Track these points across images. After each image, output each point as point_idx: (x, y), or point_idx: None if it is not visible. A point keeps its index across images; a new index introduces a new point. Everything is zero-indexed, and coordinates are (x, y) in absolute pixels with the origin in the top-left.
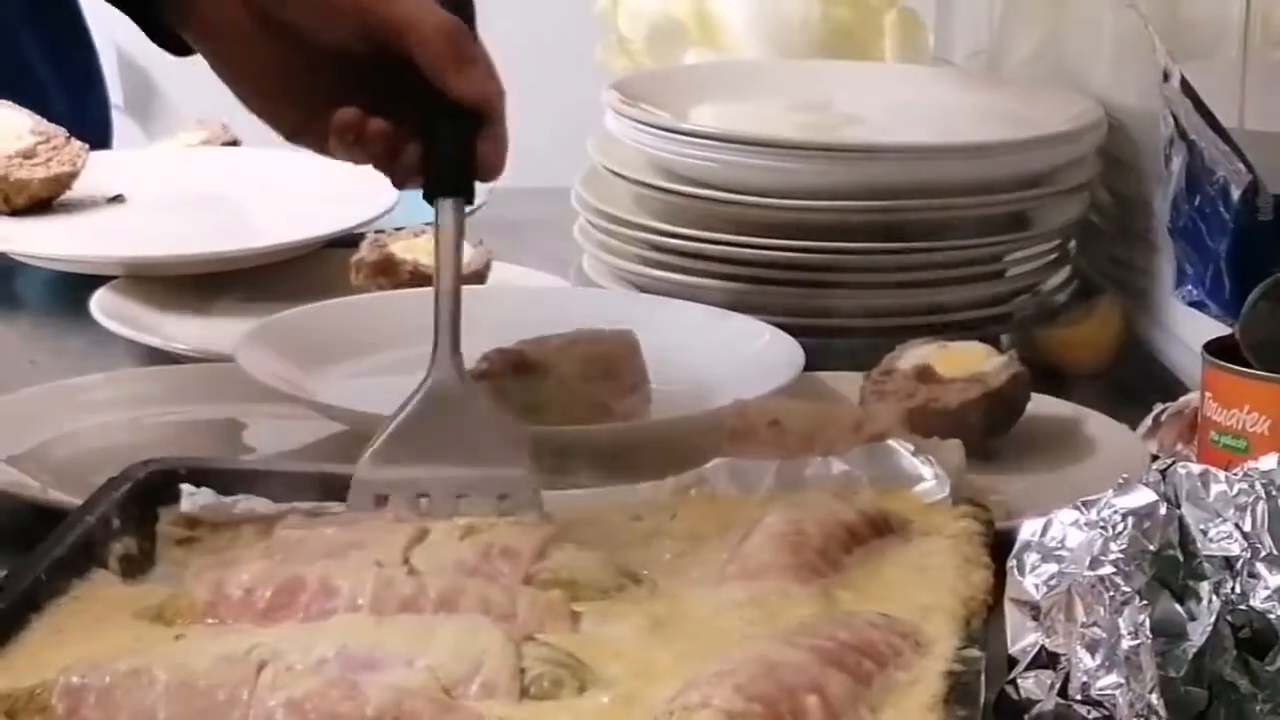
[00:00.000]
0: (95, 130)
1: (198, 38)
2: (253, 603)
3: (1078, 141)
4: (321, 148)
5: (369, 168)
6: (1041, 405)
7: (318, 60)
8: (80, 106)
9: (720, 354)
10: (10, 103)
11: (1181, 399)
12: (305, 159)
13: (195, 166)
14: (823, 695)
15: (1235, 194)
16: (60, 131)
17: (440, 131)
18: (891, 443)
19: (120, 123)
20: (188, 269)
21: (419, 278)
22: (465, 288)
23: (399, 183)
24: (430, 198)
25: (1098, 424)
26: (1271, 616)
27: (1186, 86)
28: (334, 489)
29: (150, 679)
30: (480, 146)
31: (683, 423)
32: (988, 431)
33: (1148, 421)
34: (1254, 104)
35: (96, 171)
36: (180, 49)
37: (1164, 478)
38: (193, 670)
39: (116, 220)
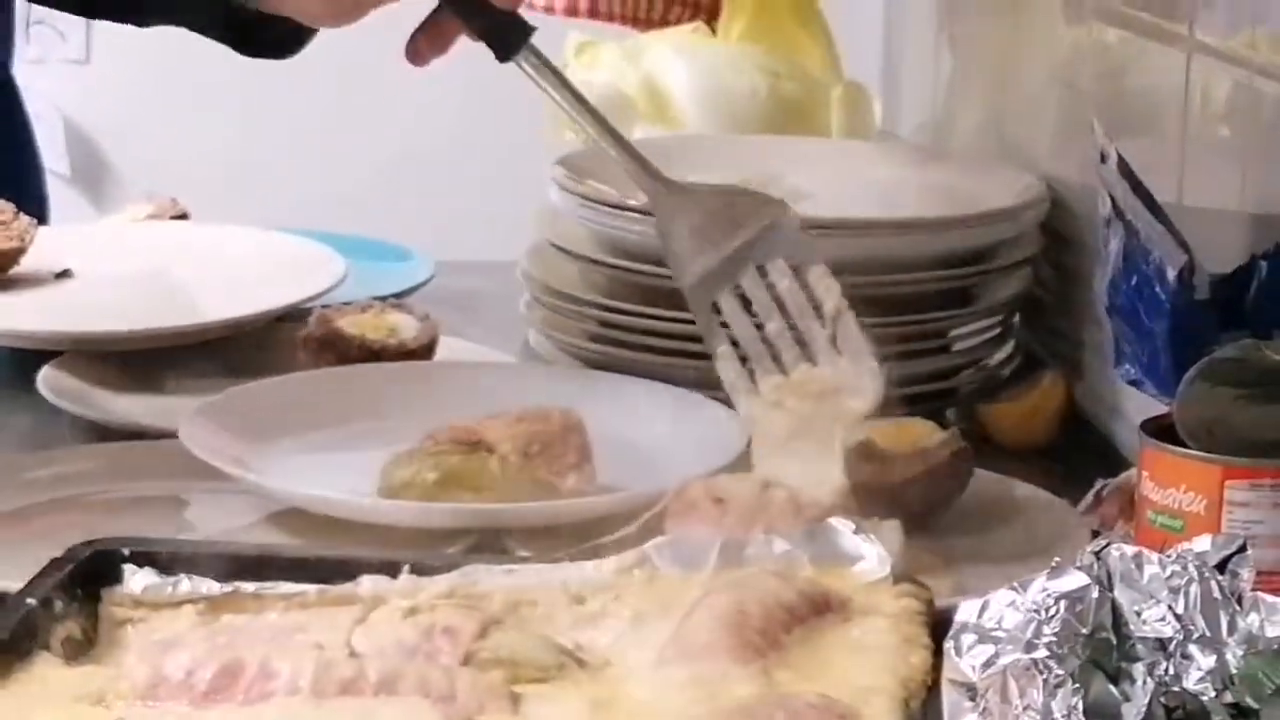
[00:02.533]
0: (32, 203)
1: None
2: (192, 685)
3: (1021, 217)
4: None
5: (314, 245)
6: (984, 481)
7: None
8: (16, 179)
9: (666, 430)
10: None
11: (1123, 475)
12: (253, 234)
13: (143, 241)
14: None
15: (1171, 275)
16: (8, 207)
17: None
18: (832, 521)
19: (67, 193)
20: (135, 344)
21: (366, 353)
22: (410, 364)
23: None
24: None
25: (1039, 500)
26: (1205, 698)
27: (1124, 167)
28: (278, 568)
29: None
30: None
31: (626, 501)
32: (929, 507)
33: (1089, 497)
34: (1193, 180)
35: (44, 246)
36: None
37: (1098, 559)
38: None
39: (64, 295)
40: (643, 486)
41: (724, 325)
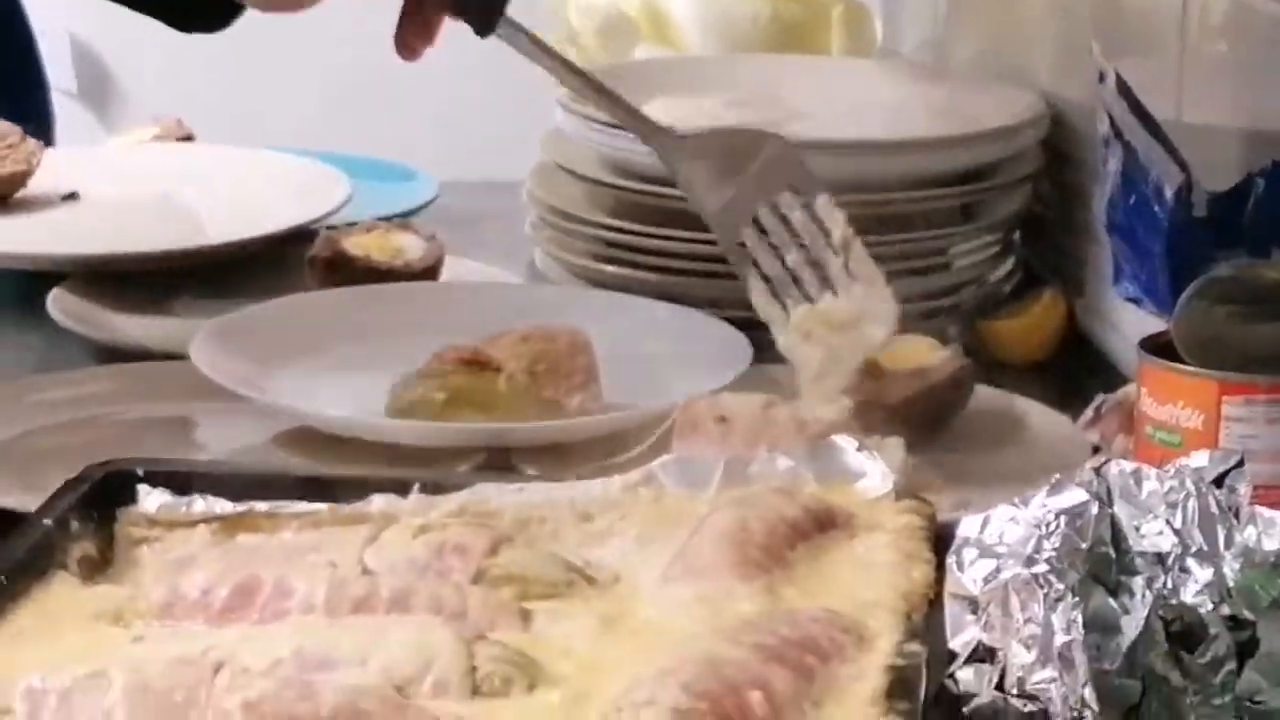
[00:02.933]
0: (38, 121)
1: None
2: (209, 604)
3: (1020, 135)
4: None
5: (319, 165)
6: (985, 397)
7: None
8: (21, 97)
9: (670, 348)
10: None
11: (1121, 390)
12: (258, 155)
13: (150, 162)
14: (767, 691)
15: (1169, 193)
16: (15, 130)
17: None
18: (836, 439)
19: (73, 110)
20: (142, 266)
21: (372, 274)
22: (417, 285)
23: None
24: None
25: (1039, 415)
26: (1202, 611)
27: (1122, 86)
28: (290, 487)
29: (108, 682)
30: None
31: (632, 419)
32: (931, 424)
33: (1089, 413)
34: (1191, 97)
35: (51, 169)
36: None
37: (1098, 475)
38: (150, 673)
39: (71, 217)
40: (648, 404)
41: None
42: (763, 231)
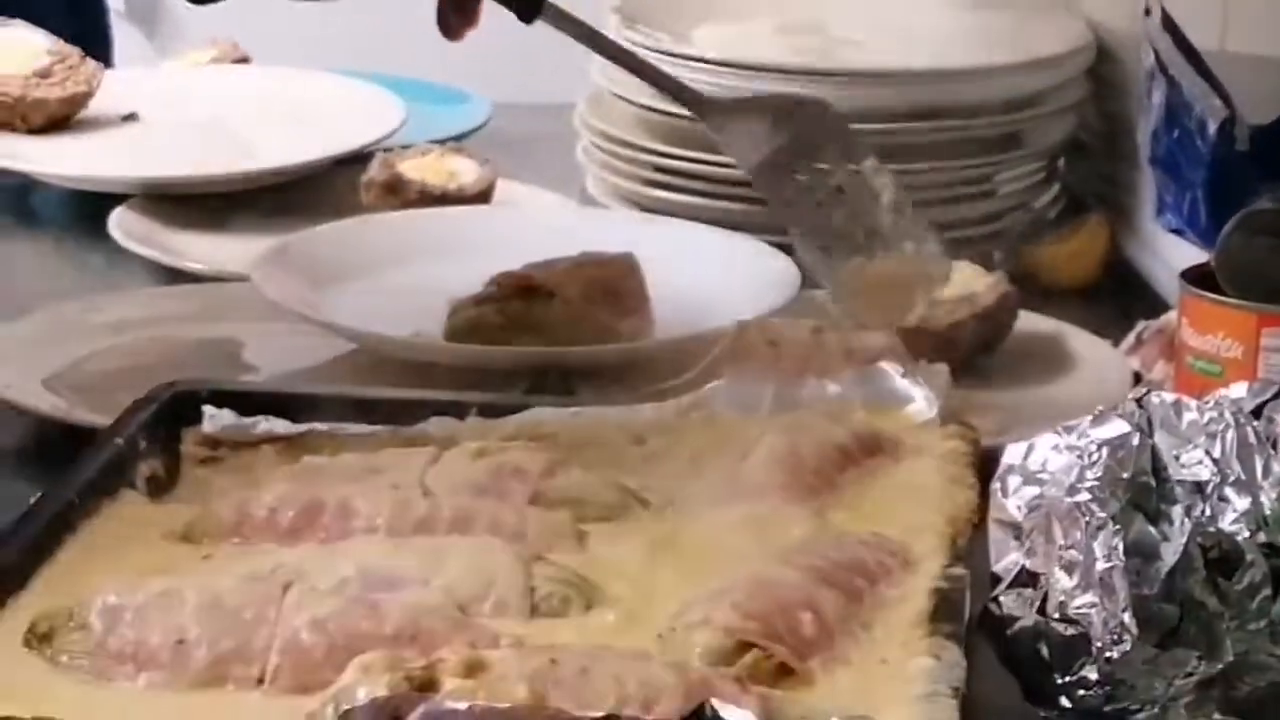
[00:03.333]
0: (96, 42)
1: None
2: (276, 523)
3: (1067, 64)
4: None
5: (373, 88)
6: (1029, 322)
7: None
8: (79, 20)
9: (720, 273)
10: (26, 23)
11: (1163, 318)
12: (314, 77)
13: (207, 85)
14: (816, 612)
15: (1212, 128)
16: (75, 51)
17: None
18: (883, 365)
19: (123, 29)
20: (201, 189)
21: (427, 197)
22: (472, 209)
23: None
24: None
25: (1082, 341)
26: (1239, 538)
27: (1168, 21)
28: (351, 409)
29: (181, 599)
30: None
31: (683, 343)
32: (976, 349)
33: (1130, 339)
34: (1236, 26)
35: (110, 90)
36: None
37: (1139, 406)
38: (221, 590)
39: (131, 139)
40: (699, 328)
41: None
42: (809, 189)
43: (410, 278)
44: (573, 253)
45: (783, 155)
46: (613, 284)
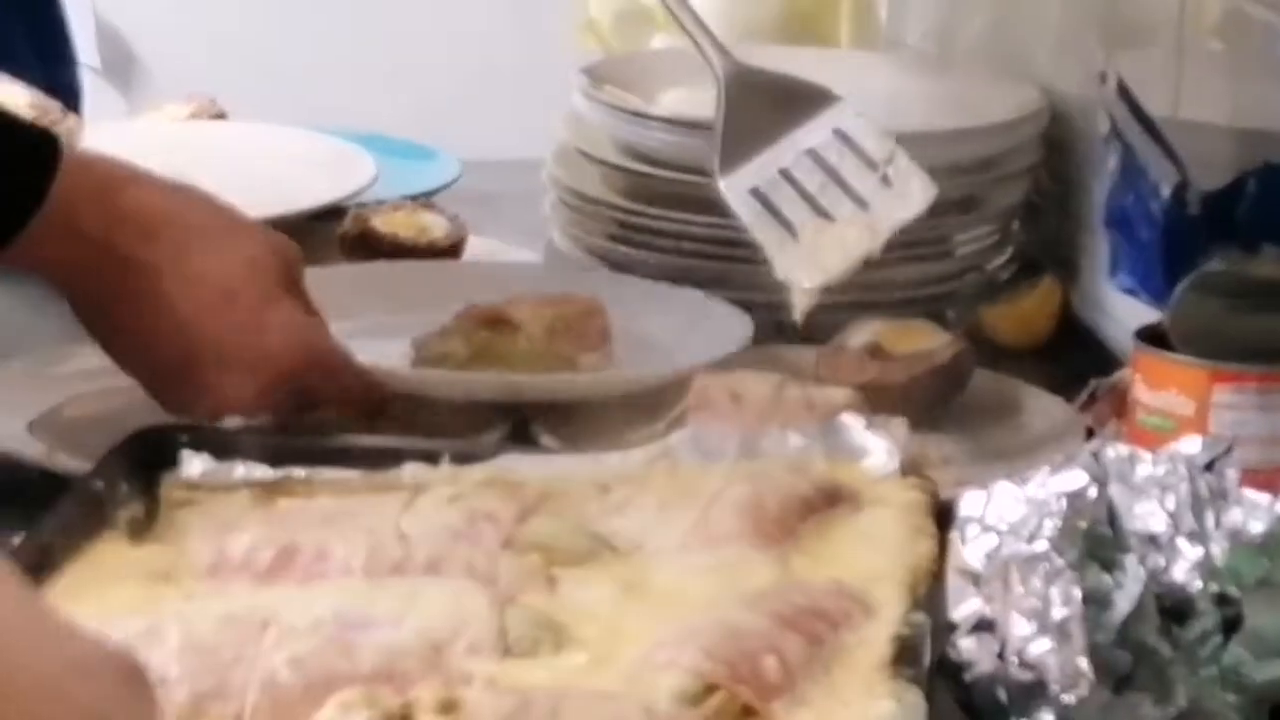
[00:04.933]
0: (66, 96)
1: None
2: (253, 565)
3: (1021, 129)
4: None
5: (346, 144)
6: (983, 381)
7: None
8: (52, 73)
9: (675, 323)
10: (6, 75)
11: (1115, 375)
12: (288, 133)
13: (184, 139)
14: (780, 656)
15: (1165, 192)
16: (55, 105)
17: None
18: (844, 417)
19: (97, 86)
20: None
21: (398, 250)
22: (440, 262)
23: None
24: None
25: (1036, 397)
26: (1191, 588)
27: (1123, 89)
28: (326, 455)
29: (162, 638)
30: None
31: (642, 378)
32: (932, 406)
33: (1084, 396)
34: (1188, 94)
35: (88, 143)
36: None
37: (1096, 459)
38: (201, 630)
39: None
40: (654, 369)
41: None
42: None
43: (380, 325)
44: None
45: (778, 149)
46: (576, 321)
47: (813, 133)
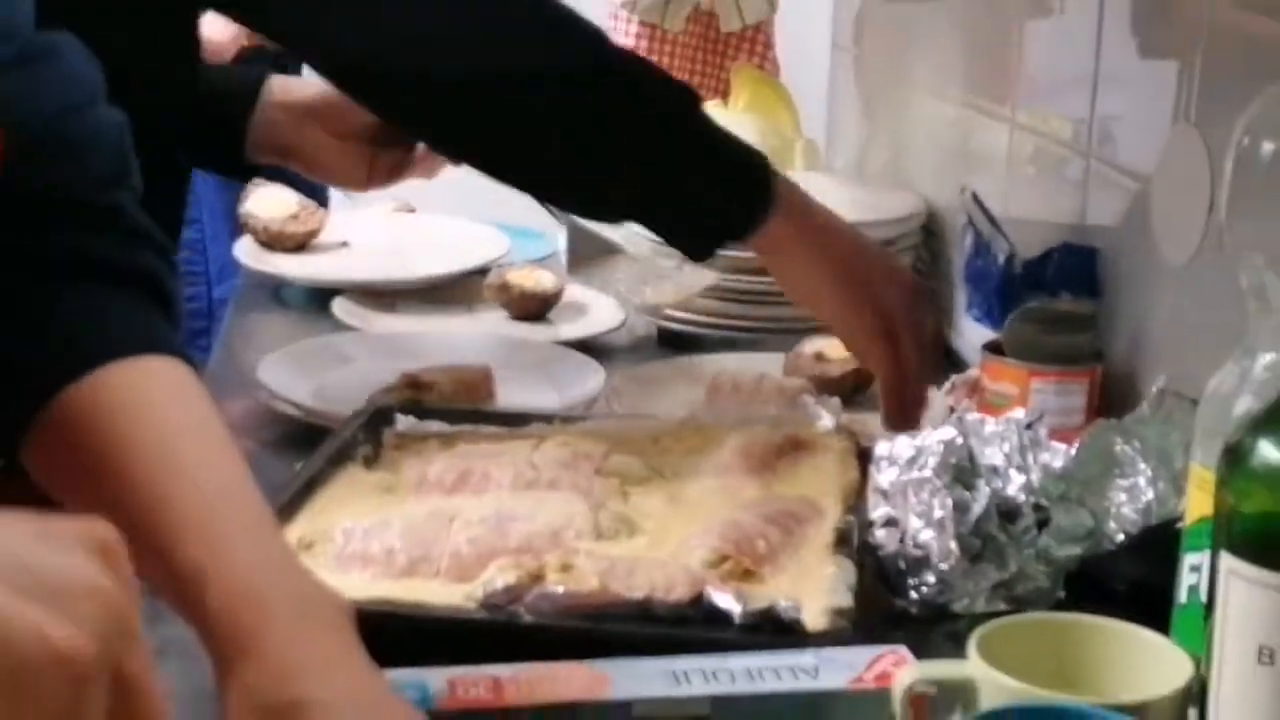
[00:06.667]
0: (320, 195)
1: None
2: (443, 483)
3: (909, 221)
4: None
5: (487, 228)
6: None
7: None
8: (310, 183)
9: (542, 380)
10: (282, 185)
11: (967, 372)
12: (454, 221)
13: (390, 224)
14: (766, 540)
15: (1001, 259)
16: (311, 203)
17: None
18: (803, 397)
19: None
20: (387, 287)
21: (524, 295)
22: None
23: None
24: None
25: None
26: (1019, 500)
27: (974, 197)
28: (483, 417)
29: (388, 525)
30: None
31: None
32: (857, 390)
33: (947, 385)
34: (1015, 199)
35: (331, 227)
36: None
37: (960, 421)
38: (413, 520)
39: (344, 257)
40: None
41: None
42: None
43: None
44: (497, 351)
45: None
46: (471, 382)
47: None
